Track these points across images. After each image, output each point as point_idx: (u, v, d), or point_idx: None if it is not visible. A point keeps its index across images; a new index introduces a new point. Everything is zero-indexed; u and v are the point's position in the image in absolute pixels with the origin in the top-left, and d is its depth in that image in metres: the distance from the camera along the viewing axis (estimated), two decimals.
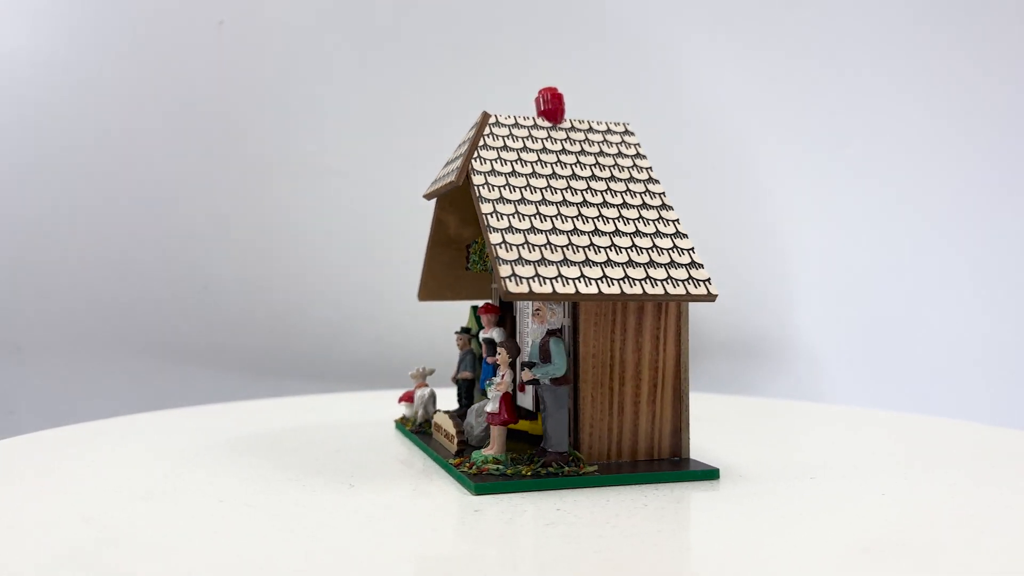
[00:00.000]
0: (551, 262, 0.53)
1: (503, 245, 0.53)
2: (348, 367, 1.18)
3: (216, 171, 1.16)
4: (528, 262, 0.52)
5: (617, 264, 0.53)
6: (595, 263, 0.53)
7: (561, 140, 0.64)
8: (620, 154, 0.64)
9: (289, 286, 1.18)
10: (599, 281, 0.52)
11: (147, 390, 1.13)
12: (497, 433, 0.54)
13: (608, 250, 0.54)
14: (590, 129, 0.65)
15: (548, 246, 0.54)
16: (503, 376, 0.54)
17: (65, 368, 1.12)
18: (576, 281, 0.51)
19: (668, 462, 0.55)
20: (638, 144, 0.65)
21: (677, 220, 0.59)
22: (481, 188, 0.57)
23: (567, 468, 0.52)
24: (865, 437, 0.72)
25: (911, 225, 1.20)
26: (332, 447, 0.65)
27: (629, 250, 0.55)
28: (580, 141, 0.64)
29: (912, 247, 1.20)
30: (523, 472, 0.52)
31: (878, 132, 1.21)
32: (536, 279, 0.51)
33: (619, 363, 0.55)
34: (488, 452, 0.54)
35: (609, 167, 0.62)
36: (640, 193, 0.60)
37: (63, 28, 1.12)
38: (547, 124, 0.65)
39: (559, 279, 0.51)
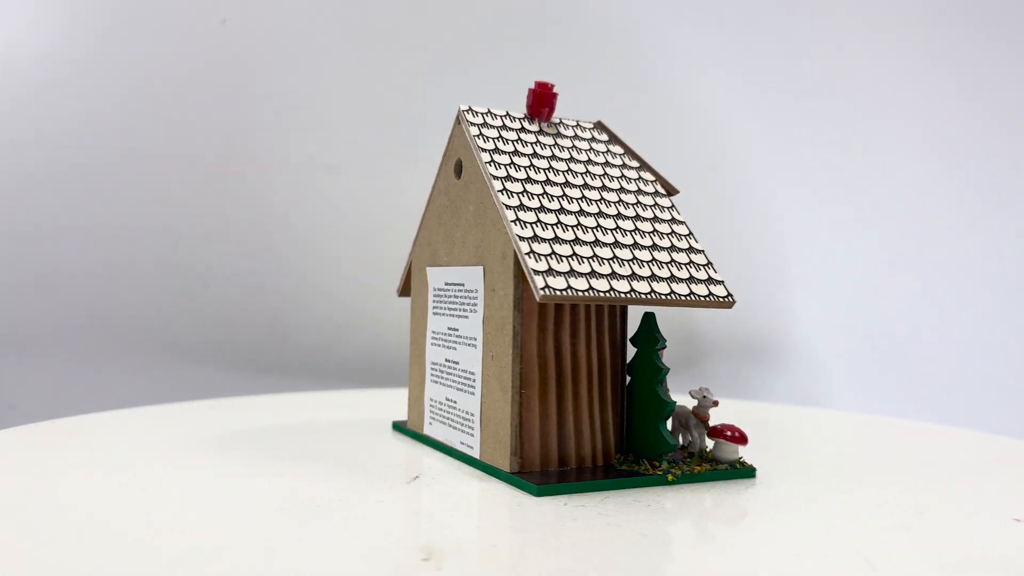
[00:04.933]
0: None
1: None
2: (348, 365, 1.20)
3: (217, 170, 1.17)
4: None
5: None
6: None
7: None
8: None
9: (289, 284, 1.19)
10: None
11: (148, 386, 1.14)
12: None
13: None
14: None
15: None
16: None
17: (66, 364, 1.13)
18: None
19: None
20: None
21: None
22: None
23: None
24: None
25: (911, 230, 1.20)
26: (330, 444, 0.67)
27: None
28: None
29: (912, 252, 1.20)
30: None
31: (879, 138, 1.21)
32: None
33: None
34: None
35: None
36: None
37: (63, 28, 1.12)
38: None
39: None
